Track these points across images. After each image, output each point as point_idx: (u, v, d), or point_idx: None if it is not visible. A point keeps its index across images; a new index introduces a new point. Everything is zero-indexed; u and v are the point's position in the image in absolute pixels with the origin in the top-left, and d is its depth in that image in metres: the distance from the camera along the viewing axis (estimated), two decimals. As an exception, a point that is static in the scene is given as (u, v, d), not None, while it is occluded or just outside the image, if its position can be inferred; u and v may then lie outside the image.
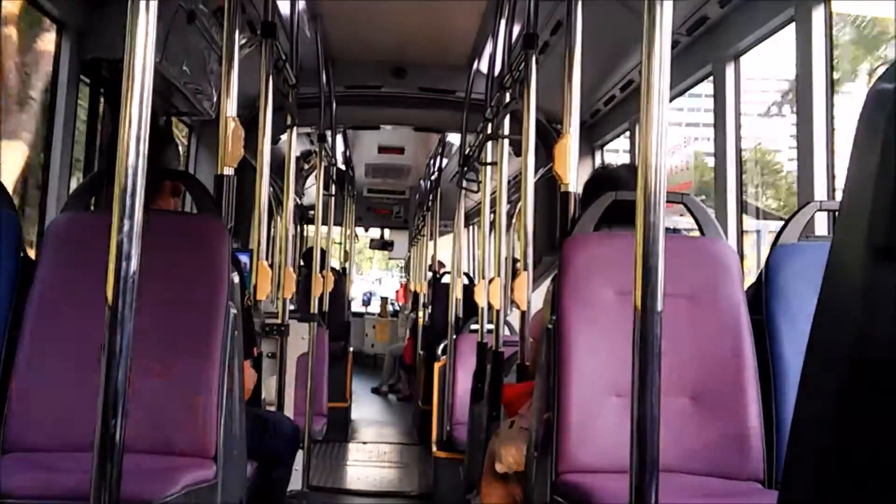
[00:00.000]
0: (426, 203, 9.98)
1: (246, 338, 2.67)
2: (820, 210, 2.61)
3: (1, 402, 2.32)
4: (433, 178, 8.78)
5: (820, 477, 0.83)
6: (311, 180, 9.66)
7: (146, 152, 1.52)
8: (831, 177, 3.02)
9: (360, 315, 13.53)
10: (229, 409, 2.39)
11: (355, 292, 12.24)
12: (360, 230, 13.65)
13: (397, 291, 15.24)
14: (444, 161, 8.50)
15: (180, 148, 5.15)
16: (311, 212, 10.37)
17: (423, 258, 10.80)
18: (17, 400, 2.33)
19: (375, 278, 19.72)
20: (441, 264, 9.88)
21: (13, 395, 2.33)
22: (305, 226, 11.19)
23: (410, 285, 12.75)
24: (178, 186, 2.86)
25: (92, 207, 2.82)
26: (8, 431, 2.31)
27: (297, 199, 8.77)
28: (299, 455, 3.94)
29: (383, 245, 14.69)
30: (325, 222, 6.89)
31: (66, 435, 2.31)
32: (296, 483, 4.15)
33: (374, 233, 14.78)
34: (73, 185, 3.77)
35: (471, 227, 10.89)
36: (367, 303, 15.04)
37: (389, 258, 16.19)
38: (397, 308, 14.08)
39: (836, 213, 2.68)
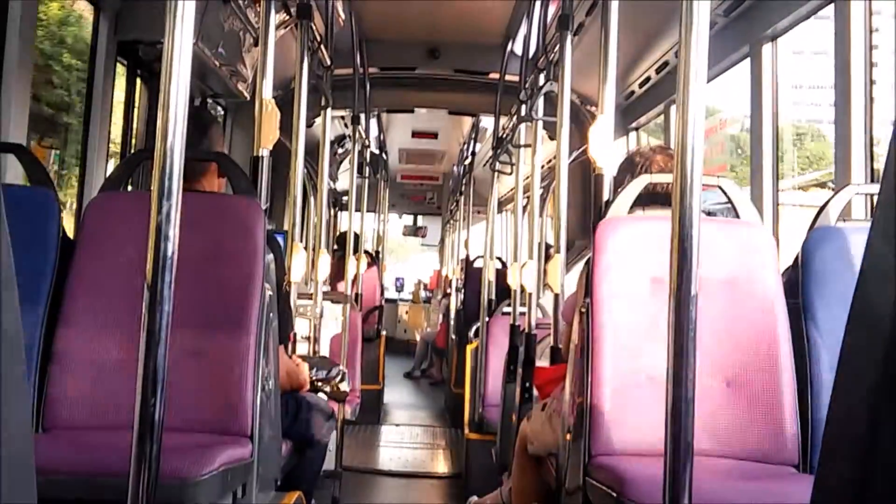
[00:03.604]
0: (459, 188, 9.97)
1: (281, 321, 2.68)
2: (858, 193, 2.57)
3: (41, 380, 2.36)
4: (466, 162, 8.76)
5: (857, 465, 0.82)
6: (343, 165, 9.69)
7: (185, 133, 1.54)
8: (870, 160, 2.98)
9: (392, 301, 13.52)
10: (265, 389, 2.42)
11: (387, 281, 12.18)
12: (392, 217, 13.63)
13: (431, 277, 15.21)
14: (478, 146, 8.48)
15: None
16: (345, 197, 10.40)
17: (457, 244, 10.79)
18: (57, 378, 2.37)
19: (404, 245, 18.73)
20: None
21: (54, 374, 2.37)
22: (338, 212, 11.18)
23: (443, 271, 12.75)
24: None
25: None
26: (48, 410, 2.35)
27: (331, 184, 8.78)
28: (333, 435, 3.97)
29: (416, 231, 14.68)
30: (358, 208, 6.90)
31: (105, 413, 2.35)
32: (329, 463, 4.18)
33: (407, 219, 14.79)
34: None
35: (503, 214, 10.85)
36: (399, 289, 15.02)
37: (422, 244, 16.13)
38: (430, 294, 14.08)
39: (875, 196, 2.66)
